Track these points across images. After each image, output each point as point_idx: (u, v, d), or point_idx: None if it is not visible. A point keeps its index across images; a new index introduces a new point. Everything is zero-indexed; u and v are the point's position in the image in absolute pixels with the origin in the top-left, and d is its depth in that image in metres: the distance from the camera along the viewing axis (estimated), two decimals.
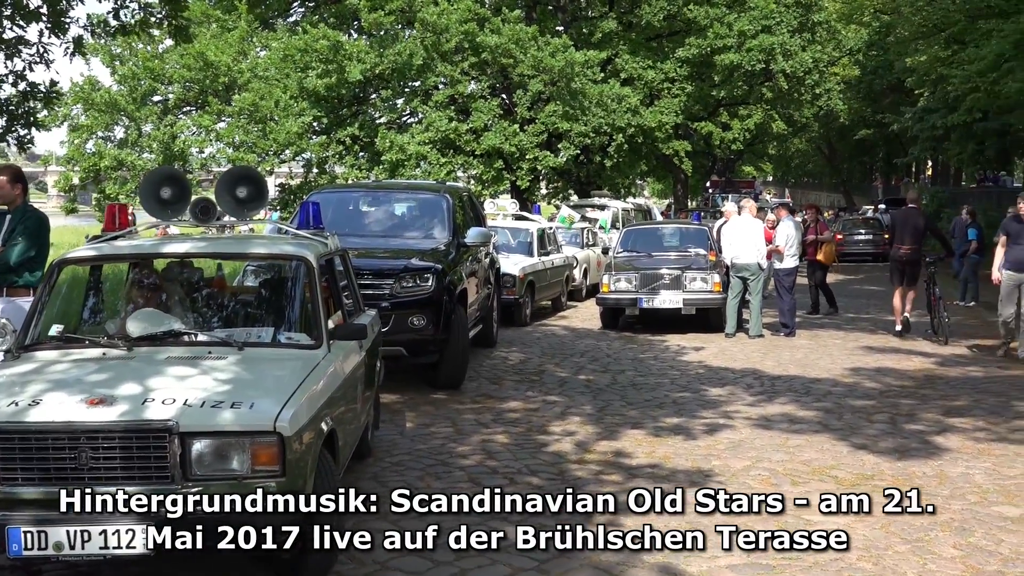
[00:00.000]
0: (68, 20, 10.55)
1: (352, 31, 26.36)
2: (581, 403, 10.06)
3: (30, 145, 11.93)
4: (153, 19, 10.86)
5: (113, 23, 11.13)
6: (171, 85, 25.87)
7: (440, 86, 24.25)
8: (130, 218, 6.58)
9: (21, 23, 10.43)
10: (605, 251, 19.23)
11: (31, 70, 10.99)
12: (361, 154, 25.43)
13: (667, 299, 15.58)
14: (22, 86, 11.27)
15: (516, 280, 15.93)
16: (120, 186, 24.94)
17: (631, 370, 12.15)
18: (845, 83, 28.94)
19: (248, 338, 5.59)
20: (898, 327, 14.88)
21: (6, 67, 11.25)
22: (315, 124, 24.91)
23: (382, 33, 23.81)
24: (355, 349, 6.33)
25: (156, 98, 26.95)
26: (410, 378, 10.98)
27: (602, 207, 26.48)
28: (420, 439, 8.49)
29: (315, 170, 25.42)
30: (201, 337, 5.54)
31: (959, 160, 41.18)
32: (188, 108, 26.58)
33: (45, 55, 10.88)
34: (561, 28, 26.72)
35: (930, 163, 61.48)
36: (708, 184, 49.81)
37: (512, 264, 16.13)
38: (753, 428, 8.96)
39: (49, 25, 10.44)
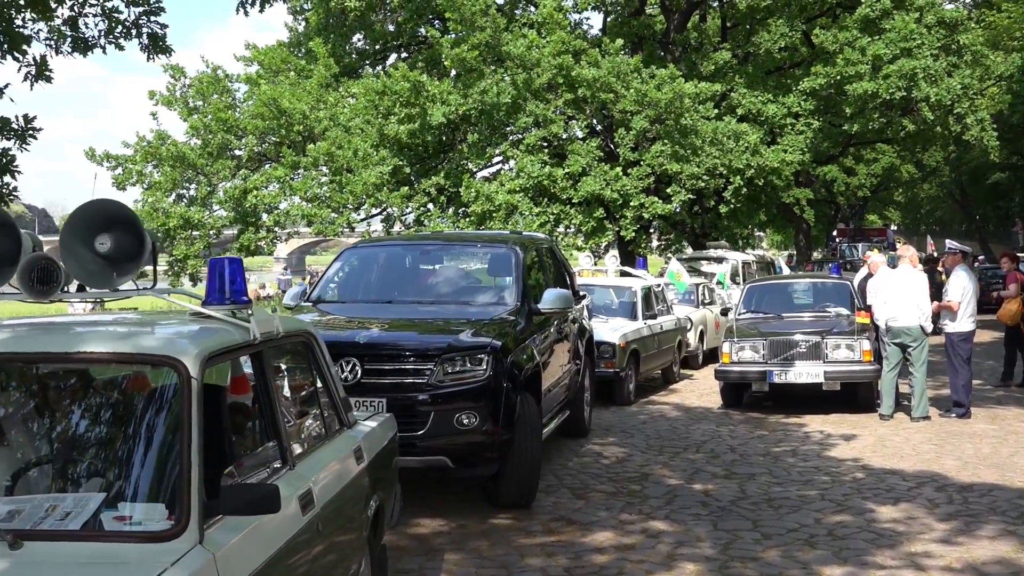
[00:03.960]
0: (25, 32, 8.19)
1: (438, 73, 24.05)
2: (696, 535, 7.12)
3: (13, 196, 9.65)
4: (121, 28, 8.50)
5: (69, 34, 8.70)
6: (244, 137, 23.90)
7: (532, 127, 21.63)
8: None
9: None
10: (725, 312, 16.24)
11: None
12: (448, 206, 22.98)
13: (804, 372, 12.51)
14: None
15: (615, 350, 13.08)
16: (189, 247, 22.98)
17: (763, 473, 9.14)
18: (992, 116, 25.39)
19: (40, 519, 2.91)
20: None
21: None
22: (397, 174, 22.57)
23: (466, 71, 21.38)
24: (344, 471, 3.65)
25: (236, 152, 25.12)
26: (461, 492, 8.22)
27: (719, 260, 23.41)
28: None
29: (397, 225, 23.04)
30: None
31: None
32: (264, 162, 24.58)
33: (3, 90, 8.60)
34: (669, 62, 23.91)
35: None
36: (835, 233, 46.11)
37: (611, 330, 13.31)
38: None
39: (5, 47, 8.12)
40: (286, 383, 4.50)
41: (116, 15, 8.55)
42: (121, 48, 8.58)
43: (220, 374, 4.38)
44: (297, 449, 4.12)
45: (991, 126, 23.16)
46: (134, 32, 8.59)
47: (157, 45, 8.60)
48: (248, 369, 4.20)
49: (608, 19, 27.95)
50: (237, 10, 8.92)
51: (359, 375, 7.27)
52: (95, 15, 8.58)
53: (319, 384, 4.63)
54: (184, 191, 24.90)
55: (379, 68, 28.32)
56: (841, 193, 52.17)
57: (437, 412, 7.24)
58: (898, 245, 38.87)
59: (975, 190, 67.77)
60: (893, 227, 76.94)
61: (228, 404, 4.18)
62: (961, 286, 12.21)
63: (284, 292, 25.08)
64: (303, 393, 4.61)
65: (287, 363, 4.59)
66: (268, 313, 4.09)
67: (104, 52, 8.54)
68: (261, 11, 9.14)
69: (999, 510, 7.72)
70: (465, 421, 7.26)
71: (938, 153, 53.38)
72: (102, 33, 8.61)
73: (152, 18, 8.54)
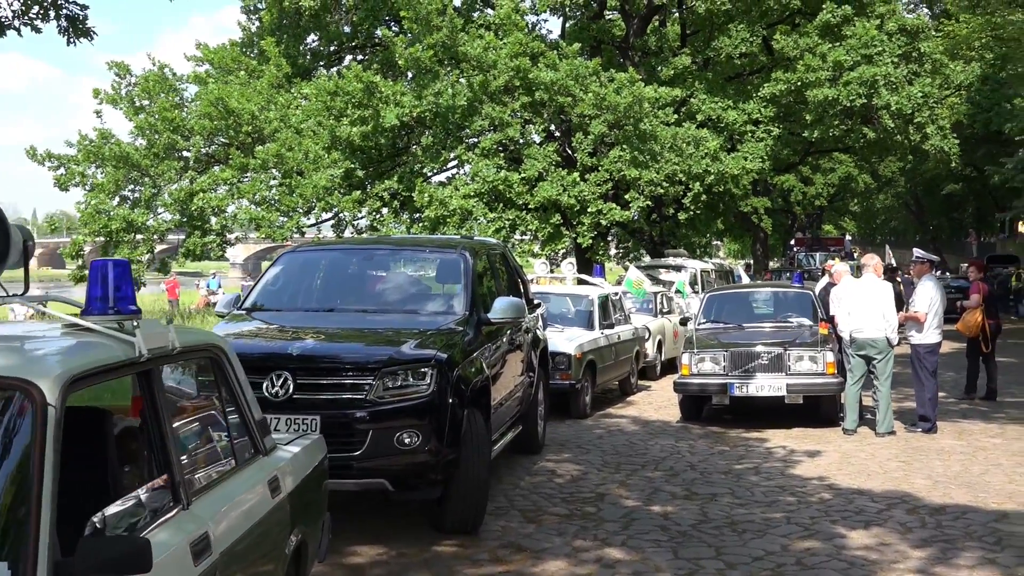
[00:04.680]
0: None
1: (393, 75, 23.42)
2: (656, 565, 6.60)
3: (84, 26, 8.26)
4: (37, 8, 7.82)
5: None
6: (191, 138, 23.10)
7: (488, 131, 21.05)
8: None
9: None
10: (684, 321, 15.76)
11: None
12: (402, 211, 22.34)
13: (765, 384, 12.06)
14: None
15: (571, 360, 12.55)
16: (132, 250, 22.12)
17: (725, 493, 8.64)
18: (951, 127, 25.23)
19: None
20: None
21: None
22: (349, 178, 21.91)
23: (421, 72, 20.75)
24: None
25: (183, 153, 24.31)
26: (402, 516, 7.64)
27: (678, 268, 22.97)
28: None
29: (349, 230, 22.36)
30: None
31: None
32: (212, 164, 23.78)
33: None
34: (629, 66, 23.44)
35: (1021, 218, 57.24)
36: (792, 242, 46.02)
37: (566, 340, 12.77)
38: None
39: None
40: (186, 405, 3.91)
41: None
42: (38, 30, 7.89)
43: (117, 394, 3.80)
44: (196, 484, 3.53)
45: (951, 134, 22.96)
46: (52, 13, 7.90)
47: (76, 28, 7.92)
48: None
49: (567, 24, 27.52)
50: None
51: (291, 390, 6.68)
52: None
53: (228, 406, 4.04)
54: (129, 193, 24.10)
55: (333, 70, 27.66)
56: (798, 202, 52.22)
57: (376, 430, 6.66)
58: (855, 254, 38.76)
59: (929, 201, 68.32)
60: (849, 237, 77.46)
61: (119, 432, 3.60)
62: (928, 296, 11.81)
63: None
64: (207, 417, 4.02)
65: (187, 382, 4.00)
66: (161, 325, 3.50)
67: (19, 34, 7.86)
68: None
69: (975, 535, 7.27)
70: (406, 440, 6.69)
71: (894, 163, 53.60)
72: (16, 14, 7.93)
73: None
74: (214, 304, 38.82)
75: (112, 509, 2.96)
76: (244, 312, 8.32)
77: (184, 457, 3.48)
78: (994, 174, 39.83)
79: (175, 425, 3.52)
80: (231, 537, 3.50)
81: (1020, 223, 64.50)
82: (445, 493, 7.03)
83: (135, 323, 3.24)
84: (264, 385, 6.68)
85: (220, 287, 35.33)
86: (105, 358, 3.04)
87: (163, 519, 3.15)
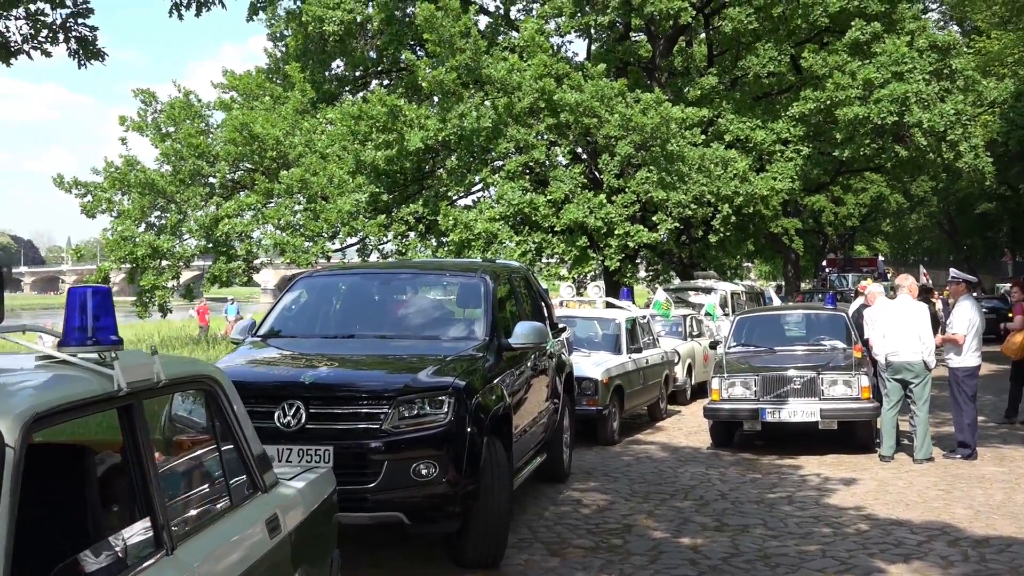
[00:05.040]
0: None
1: (418, 99, 23.32)
2: None
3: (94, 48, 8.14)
4: (47, 32, 7.69)
5: None
6: (216, 164, 23.09)
7: (513, 153, 20.84)
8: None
9: None
10: (714, 344, 15.42)
11: None
12: (427, 235, 22.16)
13: (798, 410, 11.70)
14: None
15: (598, 386, 12.25)
16: (158, 276, 22.09)
17: (758, 525, 8.31)
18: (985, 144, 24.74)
19: None
20: None
21: None
22: (374, 202, 21.78)
23: (445, 95, 20.61)
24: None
25: (209, 179, 24.31)
26: (421, 549, 7.38)
27: (708, 290, 22.60)
28: None
29: (375, 254, 22.22)
30: None
31: None
32: (238, 190, 23.75)
33: None
34: (655, 87, 23.19)
35: None
36: (824, 263, 45.40)
37: (593, 365, 12.49)
38: None
39: None
40: (177, 441, 3.68)
41: (41, 18, 7.73)
42: (48, 55, 7.78)
43: (104, 429, 3.57)
44: (184, 526, 3.29)
45: (984, 153, 22.52)
46: (61, 36, 7.78)
47: (87, 50, 7.79)
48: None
49: (592, 47, 27.34)
50: (171, 13, 8.09)
51: (303, 420, 6.45)
52: (18, 18, 7.77)
53: (224, 441, 3.80)
54: (155, 220, 24.12)
55: (359, 95, 27.64)
56: (829, 223, 51.66)
57: (391, 462, 6.41)
58: (888, 274, 38.27)
59: (963, 220, 67.41)
60: (881, 257, 76.61)
61: (105, 470, 3.37)
62: (967, 318, 11.42)
63: None
64: (199, 453, 3.79)
65: (177, 416, 3.77)
66: (146, 356, 3.27)
67: (30, 58, 7.76)
68: (197, 15, 8.29)
69: (1021, 569, 6.91)
70: (423, 471, 6.43)
71: (926, 183, 53.00)
72: (25, 38, 7.81)
73: (80, 20, 7.75)
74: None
75: (85, 556, 2.73)
76: (260, 339, 8.11)
77: (170, 498, 3.24)
78: None
79: (163, 463, 3.28)
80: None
81: None
82: (464, 526, 6.76)
83: (114, 355, 3.01)
84: (276, 415, 6.46)
85: (239, 313, 35.10)
86: (78, 392, 2.81)
87: (143, 567, 2.91)
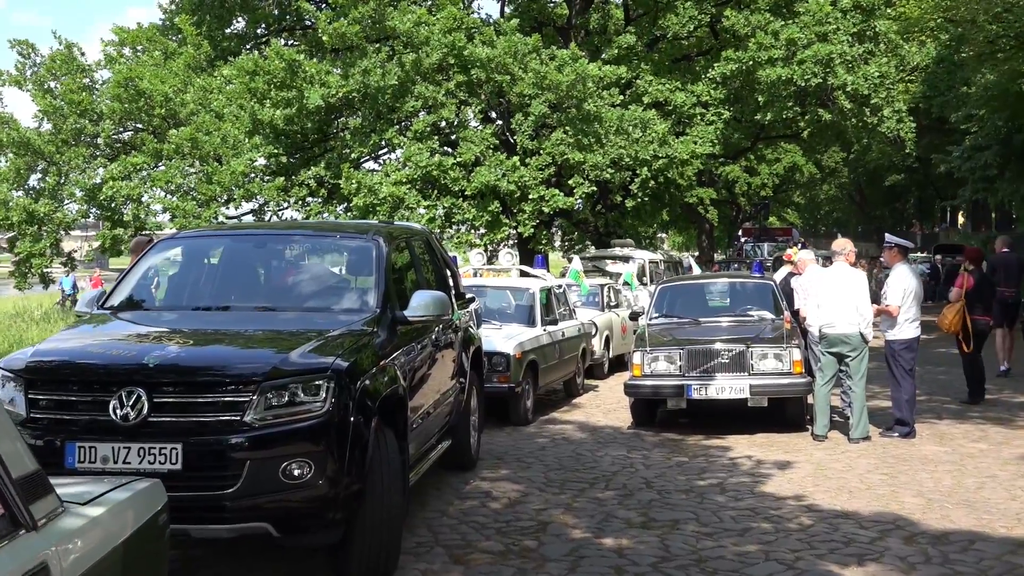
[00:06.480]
0: None
1: (320, 55, 21.86)
2: None
3: None
4: None
5: None
6: (101, 122, 21.34)
7: (421, 112, 19.57)
8: None
9: None
10: (634, 316, 14.46)
11: None
12: (331, 200, 20.79)
13: (727, 386, 10.80)
14: None
15: (510, 361, 11.21)
16: (34, 243, 20.35)
17: (689, 519, 7.34)
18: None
19: None
20: (1004, 366, 14.72)
21: None
22: (273, 164, 20.35)
23: (347, 49, 19.22)
24: None
25: (94, 139, 22.53)
26: (297, 561, 6.24)
27: (625, 259, 21.67)
28: None
29: (271, 218, 20.79)
30: None
31: (1010, 200, 36.59)
32: (125, 151, 22.02)
33: None
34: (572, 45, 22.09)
35: (961, 208, 57.17)
36: (740, 233, 45.12)
37: (504, 339, 11.43)
38: None
39: None
40: None
41: None
42: None
43: None
44: None
45: (908, 117, 21.95)
46: None
47: None
48: None
49: (507, 8, 26.10)
50: None
51: (145, 412, 5.24)
52: None
53: None
54: (37, 183, 22.30)
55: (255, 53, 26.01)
56: (743, 193, 51.34)
57: (256, 461, 5.25)
58: (804, 244, 37.96)
59: (872, 191, 68.06)
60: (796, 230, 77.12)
61: None
62: (902, 287, 10.57)
63: None
64: None
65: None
66: None
67: None
68: None
69: (991, 571, 6.04)
70: (296, 472, 5.28)
71: (838, 153, 52.97)
72: None
73: None
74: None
75: None
76: (108, 312, 6.81)
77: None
78: (940, 163, 39.17)
79: None
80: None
81: (961, 213, 64.55)
82: (348, 535, 5.63)
83: None
84: (111, 405, 5.25)
85: (75, 286, 32.27)
86: None
87: None
